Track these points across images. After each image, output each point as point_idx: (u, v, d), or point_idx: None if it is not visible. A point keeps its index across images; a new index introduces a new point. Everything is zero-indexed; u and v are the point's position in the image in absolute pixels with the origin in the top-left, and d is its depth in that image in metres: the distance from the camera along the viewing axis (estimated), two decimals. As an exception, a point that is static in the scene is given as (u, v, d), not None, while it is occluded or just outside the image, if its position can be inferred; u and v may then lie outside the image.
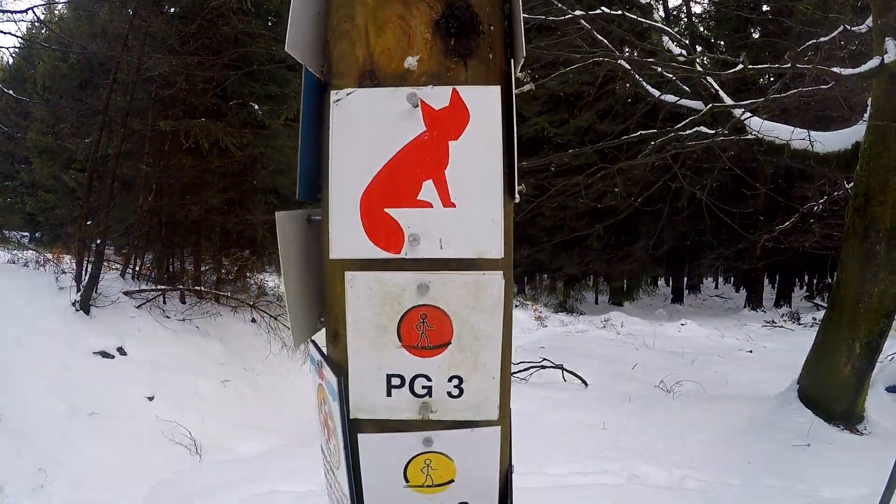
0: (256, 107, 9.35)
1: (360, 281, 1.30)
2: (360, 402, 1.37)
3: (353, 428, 1.40)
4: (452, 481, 1.43)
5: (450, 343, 1.32)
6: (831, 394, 5.31)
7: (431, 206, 1.26)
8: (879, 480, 3.56)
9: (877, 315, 5.14)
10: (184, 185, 8.86)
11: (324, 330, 1.53)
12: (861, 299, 5.16)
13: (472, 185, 1.26)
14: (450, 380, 1.34)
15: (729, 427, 5.17)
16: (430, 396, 1.35)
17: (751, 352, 11.31)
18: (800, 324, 15.59)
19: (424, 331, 1.32)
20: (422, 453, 1.40)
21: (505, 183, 1.29)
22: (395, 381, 1.35)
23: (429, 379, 1.34)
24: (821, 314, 12.89)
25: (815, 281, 26.52)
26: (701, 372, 8.17)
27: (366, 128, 1.25)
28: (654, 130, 7.66)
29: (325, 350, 1.52)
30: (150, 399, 6.84)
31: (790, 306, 20.50)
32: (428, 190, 1.26)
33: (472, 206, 1.26)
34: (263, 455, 4.91)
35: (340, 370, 1.39)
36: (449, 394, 1.35)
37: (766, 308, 20.44)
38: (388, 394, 1.35)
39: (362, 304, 1.30)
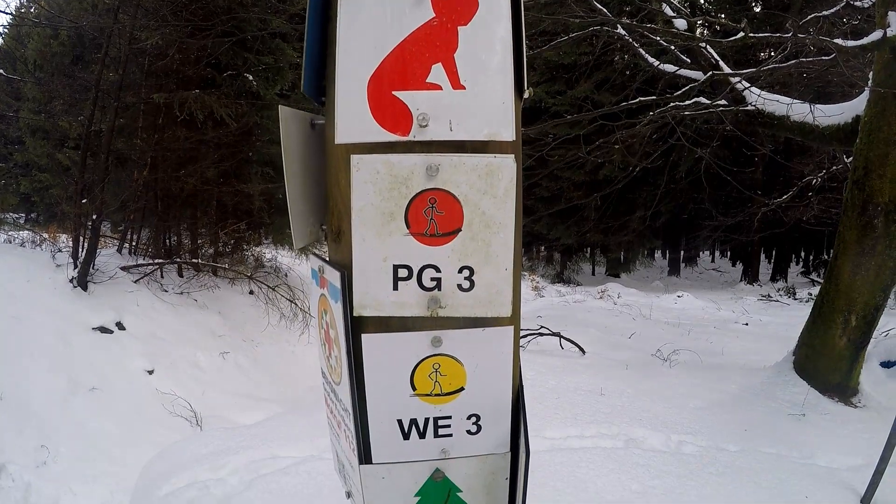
0: (251, 77, 9.24)
1: (366, 164, 1.22)
2: (365, 298, 1.28)
3: (356, 329, 1.31)
4: (462, 389, 1.35)
5: (460, 230, 1.25)
6: (826, 365, 5.35)
7: (441, 89, 1.21)
8: (874, 452, 3.64)
9: (873, 288, 5.15)
10: (179, 157, 8.80)
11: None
12: (858, 272, 5.17)
13: (482, 68, 1.23)
14: (460, 271, 1.27)
15: (725, 395, 5.22)
16: (440, 290, 1.27)
17: (746, 324, 11.37)
18: (795, 298, 15.66)
19: (434, 217, 1.24)
20: (430, 356, 1.32)
21: (514, 76, 1.25)
22: (403, 273, 1.26)
23: (438, 270, 1.26)
24: (816, 290, 12.95)
25: (811, 257, 26.62)
26: (697, 342, 8.24)
27: (374, 14, 1.21)
28: (654, 97, 7.59)
29: (326, 257, 1.48)
30: (150, 373, 6.89)
31: (786, 281, 20.62)
32: (437, 72, 1.21)
33: (482, 88, 1.22)
34: (263, 422, 4.96)
35: (344, 267, 1.31)
36: (459, 286, 1.27)
37: (762, 282, 20.55)
38: (395, 287, 1.27)
39: (368, 190, 1.23)
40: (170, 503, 3.45)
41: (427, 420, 1.37)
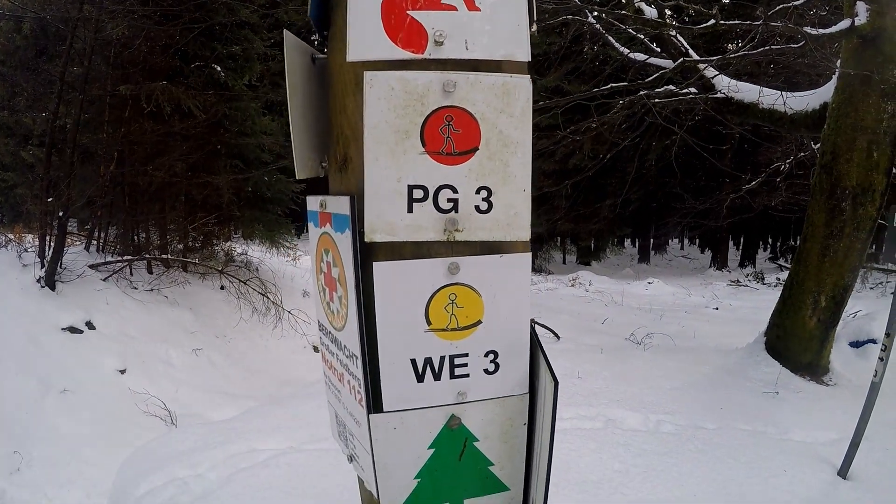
0: (219, 68, 9.07)
1: (379, 81, 1.17)
2: (376, 222, 1.20)
3: (366, 257, 1.23)
4: (480, 323, 1.29)
5: (477, 149, 1.21)
6: (797, 345, 5.49)
7: (456, 10, 1.20)
8: (848, 426, 3.75)
9: (842, 269, 5.29)
10: (146, 150, 8.61)
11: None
12: (827, 254, 5.31)
13: None
14: (477, 191, 1.22)
15: (700, 375, 5.32)
16: (456, 212, 1.22)
17: (717, 309, 11.61)
18: (764, 283, 16.02)
19: (450, 134, 1.20)
20: (446, 286, 1.25)
21: (528, 2, 1.24)
22: (418, 194, 1.20)
23: (454, 191, 1.21)
24: (784, 275, 13.23)
25: (778, 243, 27.25)
26: (669, 326, 8.38)
27: None
28: (626, 83, 7.66)
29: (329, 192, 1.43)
30: (122, 372, 6.75)
31: (755, 267, 21.07)
32: None
33: (497, 10, 1.21)
34: (240, 416, 4.90)
35: (351, 194, 1.25)
36: (477, 208, 1.22)
37: (730, 268, 20.97)
38: (409, 209, 1.20)
39: (382, 106, 1.18)
40: (147, 503, 3.39)
41: (443, 359, 1.30)
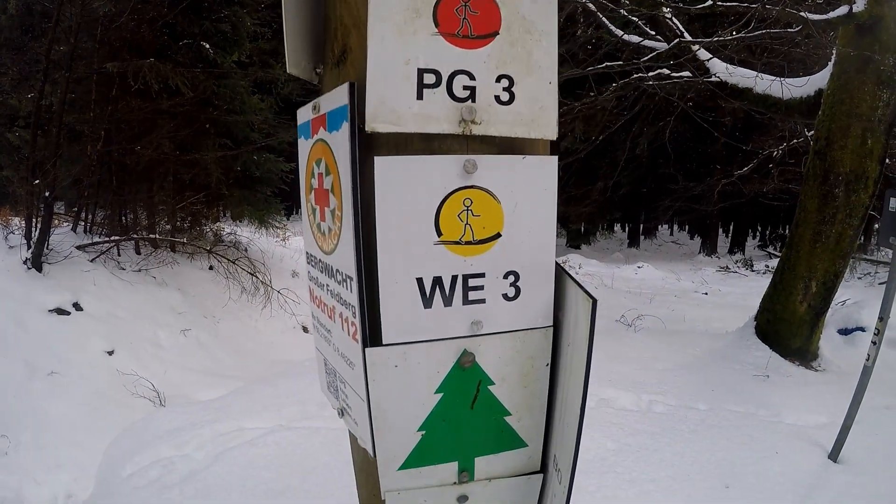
0: (207, 45, 8.90)
1: None
2: (380, 109, 1.03)
3: (366, 152, 1.06)
4: (499, 236, 1.11)
5: (497, 33, 1.06)
6: (788, 330, 5.53)
7: None
8: (838, 411, 3.78)
9: (833, 255, 5.32)
10: (133, 129, 8.46)
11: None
12: (819, 240, 5.33)
13: None
14: (498, 80, 1.07)
15: (691, 357, 5.36)
16: (473, 101, 1.06)
17: (706, 294, 11.67)
18: (753, 270, 16.14)
19: (467, 15, 1.06)
20: (461, 188, 1.07)
21: None
22: (429, 78, 1.04)
23: (471, 77, 1.06)
24: (773, 262, 13.25)
25: (767, 231, 27.42)
26: (659, 310, 8.41)
27: None
28: (621, 63, 7.60)
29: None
30: (110, 353, 6.69)
31: (744, 254, 21.21)
32: None
33: None
34: (227, 396, 4.87)
35: (351, 83, 1.07)
36: (497, 98, 1.07)
37: (720, 255, 21.10)
38: (419, 95, 1.04)
39: None
40: (134, 484, 3.35)
41: (455, 279, 1.11)
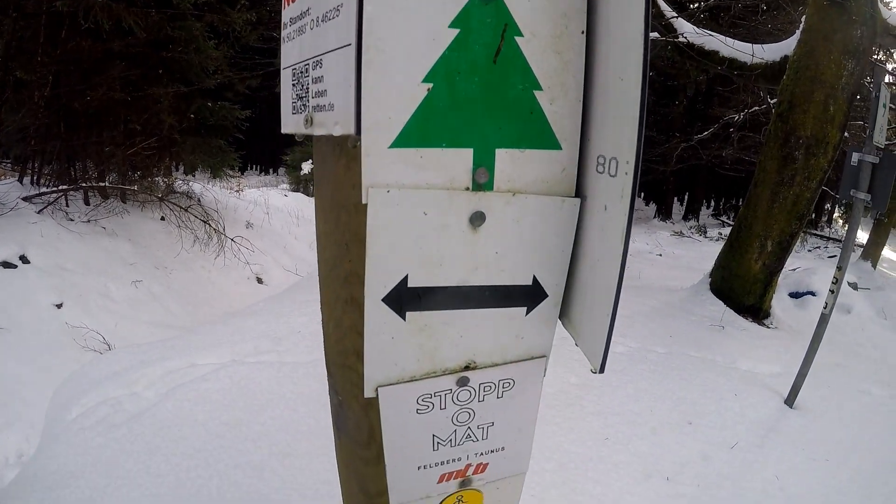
0: (162, -15, 8.44)
1: None
2: None
3: None
4: None
5: None
6: (742, 287, 5.68)
7: None
8: (791, 363, 3.92)
9: (790, 216, 5.45)
10: (83, 70, 8.02)
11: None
12: (777, 200, 5.45)
13: None
14: None
15: (648, 308, 5.46)
16: None
17: (660, 255, 11.94)
18: (706, 237, 16.56)
19: None
20: None
21: None
22: None
23: None
24: (726, 230, 13.49)
25: (721, 202, 28.07)
26: (616, 268, 8.52)
27: None
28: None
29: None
30: (59, 306, 6.47)
31: (698, 221, 21.70)
32: None
33: None
34: (179, 335, 4.72)
35: None
36: None
37: (674, 220, 21.53)
38: None
39: None
40: (80, 425, 3.20)
41: None
